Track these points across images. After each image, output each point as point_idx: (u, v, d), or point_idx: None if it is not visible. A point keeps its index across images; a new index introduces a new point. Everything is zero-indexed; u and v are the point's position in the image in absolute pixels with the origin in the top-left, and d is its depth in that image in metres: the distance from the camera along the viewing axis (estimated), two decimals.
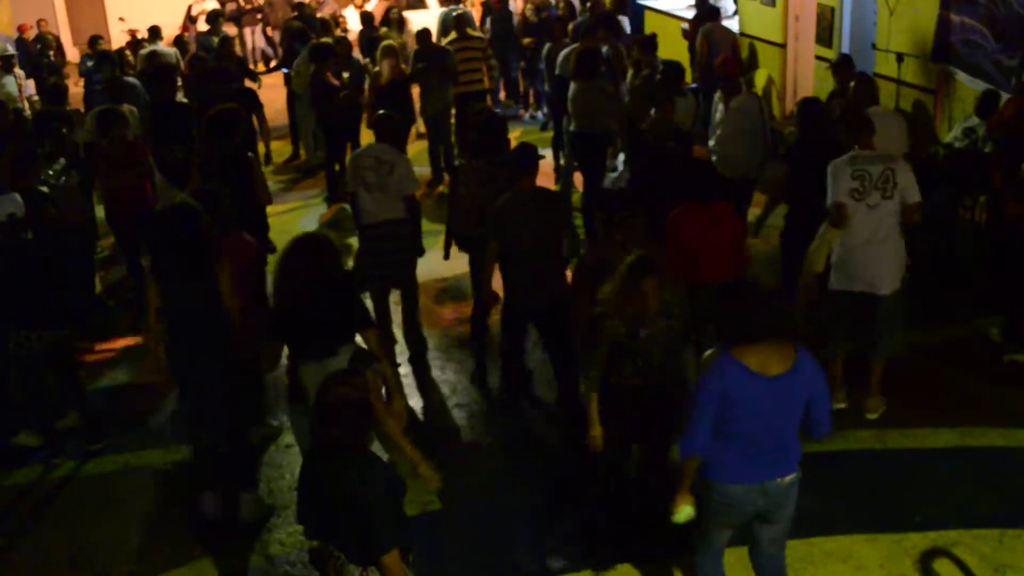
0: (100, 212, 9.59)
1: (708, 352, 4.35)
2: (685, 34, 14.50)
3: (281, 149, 14.17)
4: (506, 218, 6.61)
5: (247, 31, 19.61)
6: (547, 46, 12.98)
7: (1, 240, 6.69)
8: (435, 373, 7.84)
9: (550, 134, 13.10)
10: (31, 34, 17.39)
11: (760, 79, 13.68)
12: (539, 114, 15.34)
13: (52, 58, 16.43)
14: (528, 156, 6.80)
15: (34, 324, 6.61)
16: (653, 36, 12.15)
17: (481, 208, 7.16)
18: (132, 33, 17.56)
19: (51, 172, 7.87)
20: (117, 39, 19.77)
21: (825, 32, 12.42)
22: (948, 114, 10.25)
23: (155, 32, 15.28)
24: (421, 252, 7.92)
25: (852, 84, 8.84)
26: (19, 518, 6.38)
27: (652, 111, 9.12)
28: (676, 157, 7.58)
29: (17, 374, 7.05)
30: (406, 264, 7.80)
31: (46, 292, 6.62)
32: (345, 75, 12.15)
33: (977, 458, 6.28)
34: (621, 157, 11.22)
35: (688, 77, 13.76)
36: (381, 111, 8.72)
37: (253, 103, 11.01)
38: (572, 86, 10.17)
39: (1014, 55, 9.08)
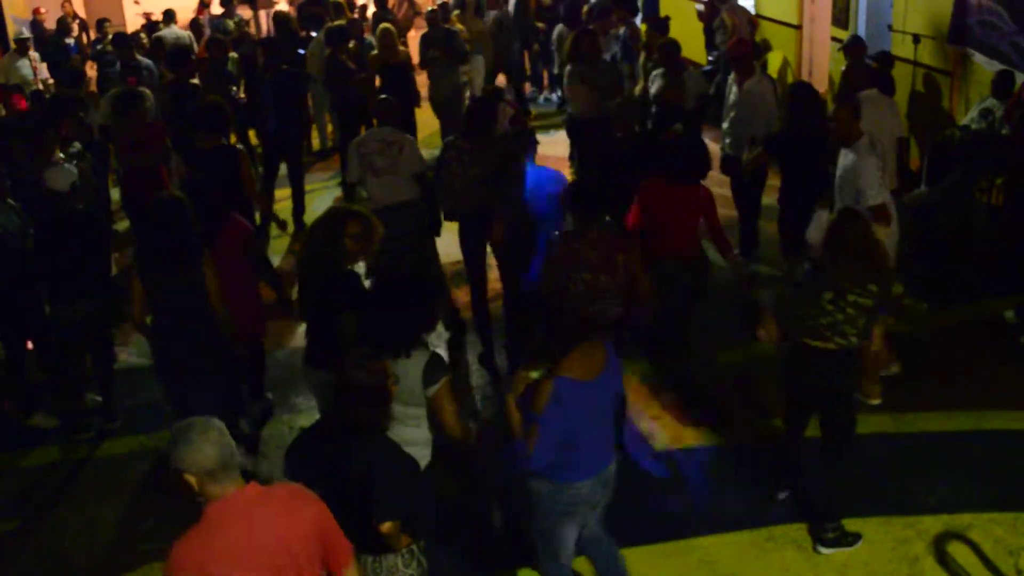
0: (116, 195, 9.64)
1: (540, 378, 4.33)
2: (701, 16, 14.43)
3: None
4: None
5: (261, 14, 19.56)
6: (557, 29, 12.94)
7: (61, 210, 6.78)
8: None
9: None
10: (46, 17, 17.38)
11: (775, 61, 13.61)
12: (554, 96, 15.29)
13: (73, 41, 16.43)
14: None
15: (73, 294, 6.72)
16: (666, 18, 12.10)
17: (465, 187, 7.30)
18: (147, 16, 17.55)
19: (62, 155, 7.89)
20: (132, 22, 19.76)
21: (841, 13, 12.34)
22: (965, 96, 10.19)
23: (169, 15, 15.27)
24: (438, 232, 7.95)
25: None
26: (36, 500, 6.43)
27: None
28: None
29: (45, 348, 7.14)
30: (422, 246, 7.81)
31: (86, 263, 6.72)
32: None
33: (992, 441, 6.27)
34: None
35: (703, 59, 13.77)
36: (382, 96, 8.75)
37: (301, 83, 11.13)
38: (568, 69, 10.13)
39: None
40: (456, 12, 13.93)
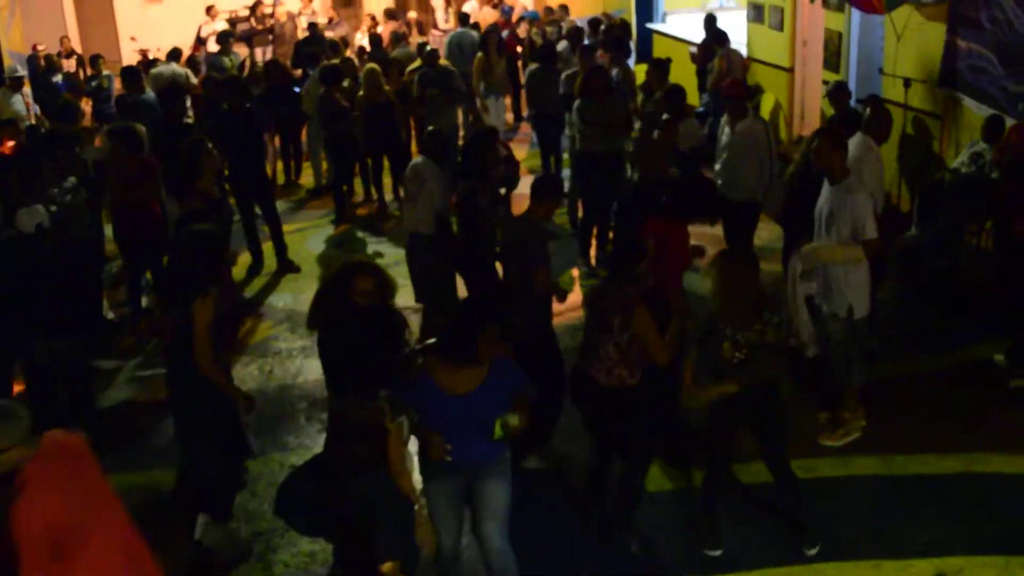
0: (109, 231, 9.65)
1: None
2: (693, 58, 14.57)
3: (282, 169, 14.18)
4: None
5: (258, 51, 19.72)
6: (531, 68, 13.08)
7: (30, 250, 6.77)
8: None
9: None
10: (44, 52, 17.48)
11: (768, 103, 13.72)
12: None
13: (62, 78, 16.51)
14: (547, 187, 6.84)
15: (46, 333, 6.64)
16: (667, 60, 12.20)
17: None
18: (143, 52, 17.66)
19: (56, 191, 7.92)
20: (128, 58, 19.89)
21: (833, 57, 12.46)
22: (955, 139, 10.27)
23: (175, 53, 15.31)
24: (453, 270, 8.09)
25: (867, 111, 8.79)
26: None
27: (655, 133, 9.16)
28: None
29: (24, 386, 7.08)
30: (438, 280, 7.97)
31: (60, 302, 6.66)
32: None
33: (983, 484, 6.24)
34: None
35: (696, 101, 13.87)
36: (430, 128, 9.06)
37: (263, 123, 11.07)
38: (578, 103, 10.20)
39: (1020, 81, 9.10)
40: (479, 55, 14.09)
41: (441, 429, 4.63)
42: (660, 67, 11.60)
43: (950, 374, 7.62)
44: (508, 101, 15.89)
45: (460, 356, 4.66)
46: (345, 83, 12.14)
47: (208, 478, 5.88)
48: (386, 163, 12.54)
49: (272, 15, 20.21)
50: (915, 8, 10.63)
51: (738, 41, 14.51)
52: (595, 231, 10.18)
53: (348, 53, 15.28)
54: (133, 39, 20.73)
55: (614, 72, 11.81)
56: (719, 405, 5.54)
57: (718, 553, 5.67)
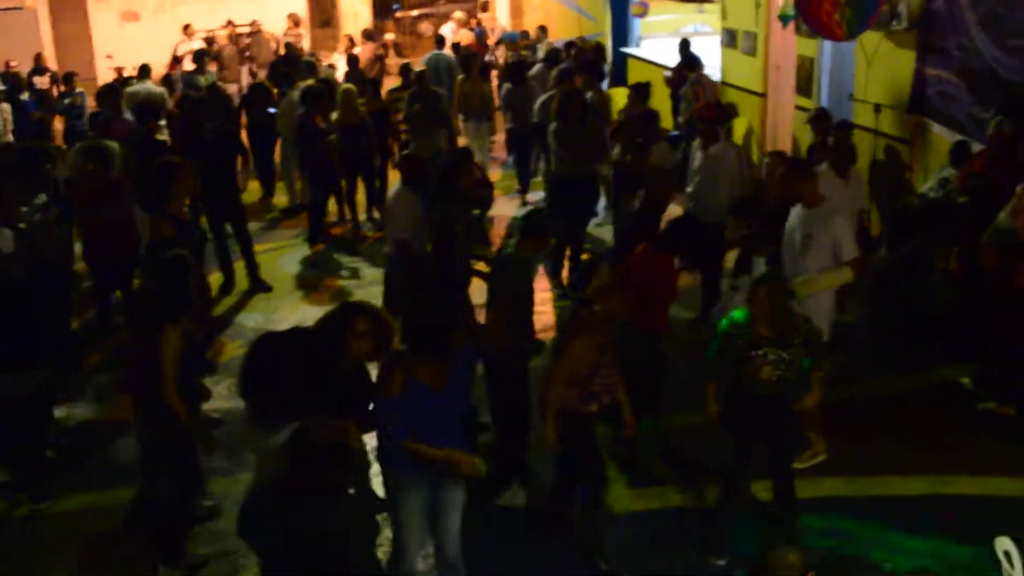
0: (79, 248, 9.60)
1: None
2: (668, 82, 14.67)
3: (257, 189, 14.13)
4: None
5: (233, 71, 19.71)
6: (504, 87, 13.15)
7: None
8: None
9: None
10: (18, 69, 17.42)
11: (740, 127, 13.82)
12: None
13: (28, 96, 16.41)
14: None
15: (12, 366, 6.43)
16: (647, 84, 12.28)
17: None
18: (119, 70, 17.62)
19: (25, 209, 7.86)
20: (104, 76, 19.83)
21: (805, 82, 12.58)
22: (924, 164, 10.38)
23: (145, 70, 15.32)
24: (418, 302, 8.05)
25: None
26: None
27: (627, 157, 9.22)
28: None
29: None
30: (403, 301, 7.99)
31: (27, 333, 6.49)
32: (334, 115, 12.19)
33: (948, 506, 6.28)
34: (602, 203, 11.29)
35: (670, 125, 13.97)
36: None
37: (238, 143, 11.07)
38: (554, 127, 10.24)
39: (987, 107, 9.21)
40: (460, 76, 14.14)
41: (429, 431, 4.77)
42: (640, 91, 11.70)
43: (917, 396, 7.69)
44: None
45: (442, 351, 4.80)
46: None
47: (162, 515, 5.82)
48: (360, 184, 12.55)
49: (251, 35, 20.23)
50: (885, 35, 10.75)
51: (713, 66, 14.63)
52: (568, 252, 10.20)
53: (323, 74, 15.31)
54: (109, 57, 20.68)
55: (589, 96, 11.88)
56: (742, 420, 5.79)
57: (724, 562, 5.76)
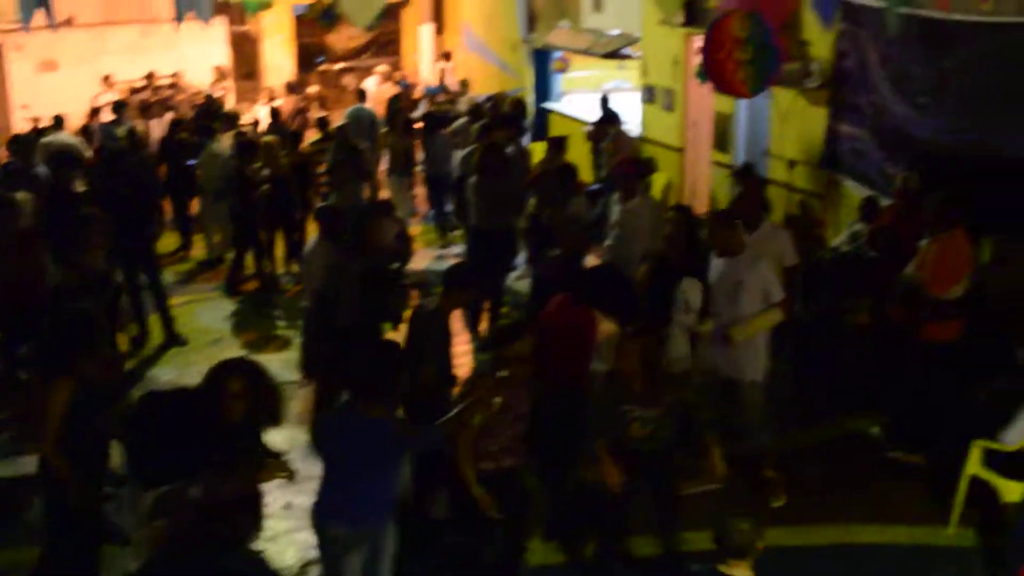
0: None
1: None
2: (589, 136, 14.81)
3: (174, 241, 13.94)
4: None
5: (153, 122, 19.50)
6: (424, 138, 13.25)
7: None
8: None
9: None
10: None
11: (659, 182, 13.99)
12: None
13: None
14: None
15: None
16: (563, 138, 12.41)
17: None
18: (35, 120, 17.33)
19: None
20: (20, 127, 19.48)
21: (721, 138, 12.83)
22: (836, 219, 10.61)
23: (59, 121, 15.11)
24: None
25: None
26: None
27: (545, 213, 9.28)
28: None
29: None
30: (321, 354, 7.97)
31: None
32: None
33: (858, 554, 6.37)
34: (522, 256, 11.33)
35: (591, 178, 14.09)
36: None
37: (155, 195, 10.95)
38: (474, 180, 10.28)
39: (895, 163, 9.47)
40: (384, 130, 14.15)
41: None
42: (556, 144, 11.83)
43: (828, 447, 7.81)
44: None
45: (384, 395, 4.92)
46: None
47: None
48: (280, 236, 12.45)
49: (171, 86, 20.06)
50: (799, 93, 11.03)
51: (633, 121, 14.83)
52: (488, 305, 10.19)
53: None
54: (25, 107, 20.33)
55: (509, 150, 11.96)
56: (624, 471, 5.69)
57: None
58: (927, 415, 7.24)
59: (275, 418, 5.18)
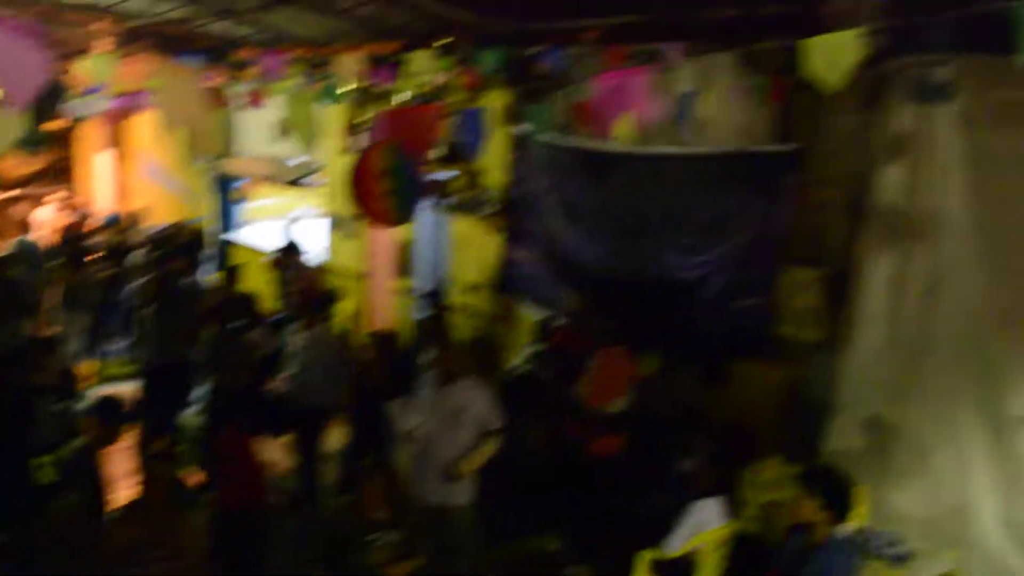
0: None
1: None
2: (272, 265, 14.63)
3: None
4: None
5: None
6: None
7: None
8: None
9: None
10: None
11: (344, 308, 13.96)
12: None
13: None
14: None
15: None
16: (239, 267, 12.20)
17: None
18: None
19: None
20: None
21: (403, 264, 13.03)
22: (515, 341, 10.94)
23: None
24: None
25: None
26: None
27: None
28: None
29: None
30: None
31: None
32: None
33: None
34: (201, 390, 10.91)
35: (274, 307, 13.89)
36: None
37: None
38: (149, 311, 9.91)
39: (565, 286, 9.95)
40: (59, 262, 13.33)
41: None
42: (232, 274, 11.63)
43: (509, 565, 7.87)
44: None
45: None
46: None
47: None
48: None
49: None
50: (476, 220, 11.42)
51: (318, 249, 14.80)
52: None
53: None
54: None
55: (186, 280, 11.61)
56: None
57: None
58: (598, 529, 7.47)
59: None
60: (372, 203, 8.25)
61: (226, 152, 16.17)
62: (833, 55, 5.37)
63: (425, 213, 12.51)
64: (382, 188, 8.15)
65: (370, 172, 8.14)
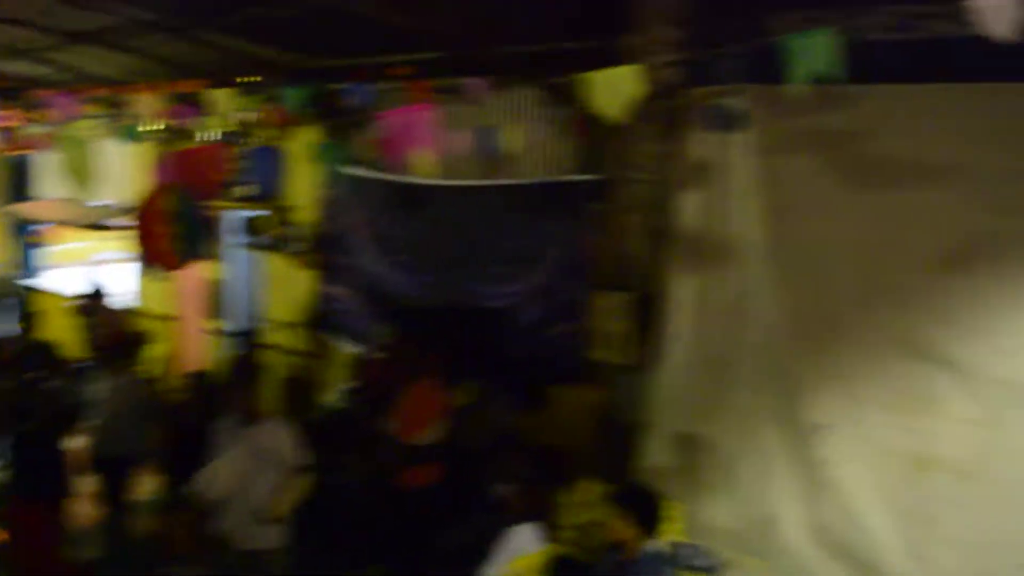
0: None
1: None
2: (78, 311, 14.07)
3: None
4: None
5: None
6: None
7: None
8: None
9: None
10: None
11: (154, 351, 13.53)
12: None
13: None
14: None
15: None
16: (35, 314, 11.70)
17: None
18: None
19: None
20: None
21: (214, 305, 12.74)
22: (333, 377, 10.83)
23: None
24: None
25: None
26: None
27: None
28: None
29: None
30: None
31: None
32: None
33: None
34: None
35: (80, 355, 13.36)
36: None
37: None
38: None
39: (377, 319, 9.93)
40: None
41: None
42: (28, 321, 11.19)
43: None
44: None
45: None
46: None
47: None
48: None
49: None
50: (288, 258, 11.26)
51: (125, 292, 14.30)
52: None
53: None
54: None
55: None
56: None
57: None
58: (417, 561, 7.43)
59: None
60: (155, 245, 8.14)
61: (21, 195, 15.51)
62: (614, 88, 5.56)
63: (237, 252, 12.30)
64: (166, 230, 8.03)
65: (155, 214, 8.03)
